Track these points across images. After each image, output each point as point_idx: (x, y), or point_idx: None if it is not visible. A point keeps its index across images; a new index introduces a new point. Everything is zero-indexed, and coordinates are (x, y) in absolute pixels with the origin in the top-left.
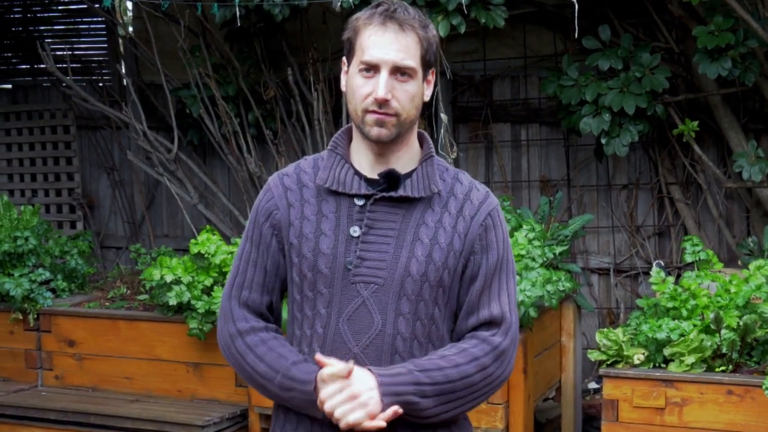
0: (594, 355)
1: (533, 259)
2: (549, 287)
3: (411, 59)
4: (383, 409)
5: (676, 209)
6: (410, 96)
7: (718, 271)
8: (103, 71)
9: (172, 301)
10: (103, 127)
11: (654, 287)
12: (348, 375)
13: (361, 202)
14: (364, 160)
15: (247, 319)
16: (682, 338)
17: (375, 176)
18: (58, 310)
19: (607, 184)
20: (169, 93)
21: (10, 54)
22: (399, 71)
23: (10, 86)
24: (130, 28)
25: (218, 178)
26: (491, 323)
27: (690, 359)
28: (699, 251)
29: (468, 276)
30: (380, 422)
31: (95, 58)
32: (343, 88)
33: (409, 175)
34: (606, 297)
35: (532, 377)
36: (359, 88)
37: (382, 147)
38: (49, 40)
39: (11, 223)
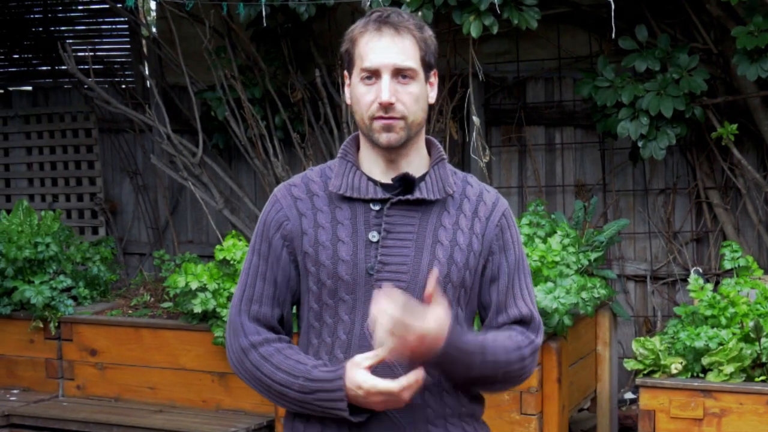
0: (630, 365)
1: (568, 266)
2: (584, 294)
3: (410, 60)
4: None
5: (714, 214)
6: (414, 97)
7: (758, 278)
8: (126, 73)
9: (197, 309)
10: (125, 130)
11: (692, 295)
12: (385, 357)
13: (377, 207)
14: (374, 167)
15: (259, 332)
16: (721, 347)
17: (388, 182)
18: (80, 318)
19: (644, 189)
20: (193, 95)
21: (30, 55)
22: (400, 73)
23: (30, 88)
24: (154, 29)
25: (244, 182)
26: (521, 321)
27: (729, 369)
28: (738, 257)
29: (488, 276)
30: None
31: (118, 60)
32: (347, 100)
33: (422, 178)
34: (642, 305)
35: (567, 387)
36: (363, 96)
37: (393, 153)
38: (71, 41)
39: (32, 229)
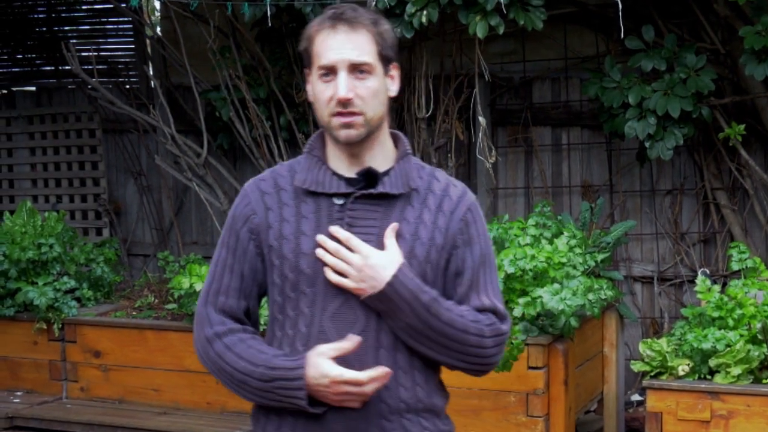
0: (637, 366)
1: (574, 267)
2: (591, 296)
3: (366, 55)
4: (384, 285)
5: (722, 215)
6: (372, 92)
7: (766, 280)
8: (130, 73)
9: None
10: (130, 131)
11: (699, 296)
12: (354, 348)
13: (340, 201)
14: (339, 162)
15: (224, 323)
16: (729, 349)
17: (352, 176)
18: (84, 319)
19: (651, 190)
20: (198, 95)
21: (33, 55)
22: (357, 69)
23: (34, 88)
24: (158, 29)
25: None
26: (483, 310)
27: (736, 370)
28: (746, 259)
29: (452, 270)
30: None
31: (122, 60)
32: (309, 98)
33: (386, 173)
34: (649, 306)
35: (574, 389)
36: (322, 94)
37: (355, 147)
38: (74, 41)
39: (35, 230)
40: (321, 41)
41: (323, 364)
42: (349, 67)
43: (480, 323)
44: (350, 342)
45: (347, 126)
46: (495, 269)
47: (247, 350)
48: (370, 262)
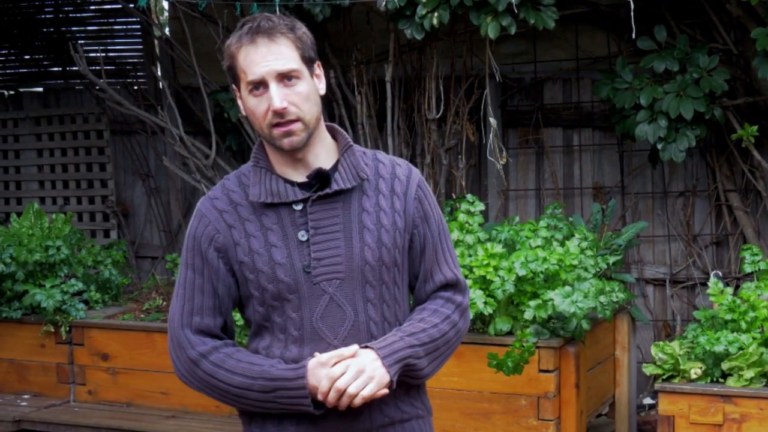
0: (649, 369)
1: (586, 270)
2: (602, 298)
3: (291, 62)
4: (390, 377)
5: (734, 217)
6: (304, 96)
7: None
8: (138, 74)
9: None
10: (138, 132)
11: (712, 298)
12: (353, 355)
13: (299, 207)
14: (286, 168)
15: (204, 342)
16: (741, 352)
17: (303, 179)
18: (91, 322)
19: (663, 191)
20: (206, 96)
21: (41, 56)
22: (285, 77)
23: (41, 89)
24: (166, 29)
25: None
26: (447, 285)
27: (749, 373)
28: (759, 261)
29: (417, 249)
30: (383, 391)
31: (130, 60)
32: (242, 112)
33: (335, 169)
34: (662, 309)
35: (585, 392)
36: (256, 108)
37: (298, 151)
38: (82, 42)
39: (42, 232)
40: (244, 57)
41: (316, 376)
42: (277, 77)
43: (450, 317)
44: (350, 350)
45: (288, 134)
46: (448, 235)
47: (238, 364)
48: (359, 366)
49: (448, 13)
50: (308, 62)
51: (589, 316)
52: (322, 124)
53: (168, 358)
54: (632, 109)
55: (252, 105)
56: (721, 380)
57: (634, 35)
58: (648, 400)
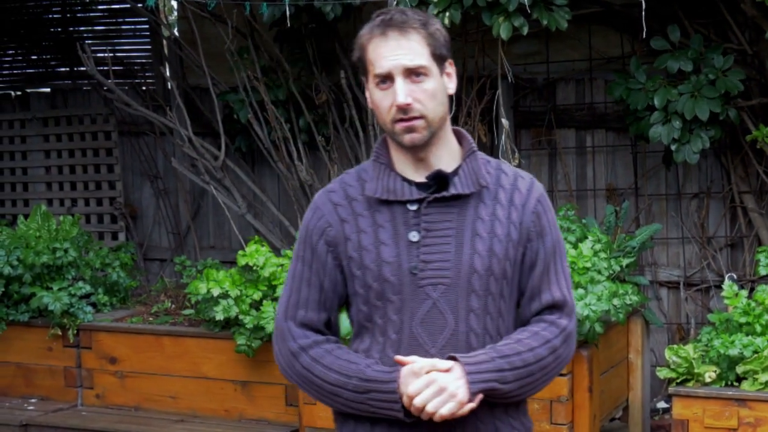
0: (663, 373)
1: (599, 272)
2: (615, 301)
3: (420, 58)
4: (470, 398)
5: (749, 219)
6: (430, 94)
7: None
8: (147, 74)
9: (219, 316)
10: (146, 133)
11: (726, 301)
12: (448, 370)
13: (414, 207)
14: (406, 166)
15: (307, 335)
16: (756, 355)
17: (422, 179)
18: (99, 325)
19: (677, 193)
20: (215, 97)
21: (48, 56)
22: (412, 73)
23: (48, 90)
24: (175, 29)
25: (267, 186)
26: (554, 306)
27: (764, 377)
28: None
29: (527, 264)
30: (468, 408)
31: (138, 61)
32: (370, 105)
33: (455, 173)
34: (676, 311)
35: (598, 396)
36: (381, 102)
37: (420, 151)
38: (90, 42)
39: (50, 234)
40: (373, 49)
41: (406, 384)
42: (404, 72)
43: (550, 341)
44: (444, 365)
45: (410, 130)
46: (565, 257)
47: (336, 361)
48: (441, 384)
49: (460, 14)
50: (439, 60)
51: (603, 319)
52: (448, 126)
53: (177, 363)
54: (646, 110)
55: (377, 98)
56: (735, 384)
57: (644, 35)
58: (662, 404)
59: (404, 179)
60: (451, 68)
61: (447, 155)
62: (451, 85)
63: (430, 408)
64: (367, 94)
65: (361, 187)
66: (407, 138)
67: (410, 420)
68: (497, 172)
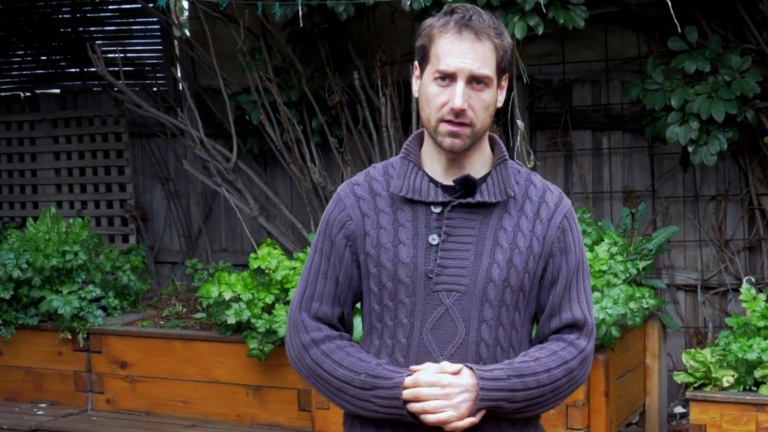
0: (680, 377)
1: (615, 275)
2: (632, 305)
3: (487, 68)
4: (471, 412)
5: (767, 222)
6: (485, 105)
7: None
8: (158, 75)
9: (231, 320)
10: (157, 135)
11: (744, 305)
12: (456, 372)
13: (438, 210)
14: (437, 166)
15: (320, 329)
16: None
17: (449, 182)
18: (110, 329)
19: (694, 195)
20: (227, 98)
21: (58, 57)
22: (475, 80)
23: (58, 91)
24: (186, 29)
25: (280, 188)
26: (574, 326)
27: None
28: None
29: (548, 279)
30: (468, 422)
31: (149, 61)
32: (415, 93)
33: (483, 179)
34: (693, 315)
35: (615, 401)
36: (435, 97)
37: (456, 155)
38: (100, 42)
39: (59, 237)
40: (444, 44)
41: (411, 384)
42: (468, 77)
43: (567, 363)
44: (453, 368)
45: (454, 135)
46: (588, 276)
47: (346, 358)
48: (447, 389)
49: None
50: (500, 72)
51: (619, 323)
52: (486, 134)
53: (188, 367)
54: (663, 111)
55: (431, 92)
56: (753, 388)
57: (665, 35)
58: (679, 409)
59: (431, 180)
60: (505, 82)
61: (479, 162)
62: (501, 98)
63: (429, 407)
64: (415, 83)
65: (387, 183)
66: (448, 142)
67: (413, 421)
68: (526, 183)
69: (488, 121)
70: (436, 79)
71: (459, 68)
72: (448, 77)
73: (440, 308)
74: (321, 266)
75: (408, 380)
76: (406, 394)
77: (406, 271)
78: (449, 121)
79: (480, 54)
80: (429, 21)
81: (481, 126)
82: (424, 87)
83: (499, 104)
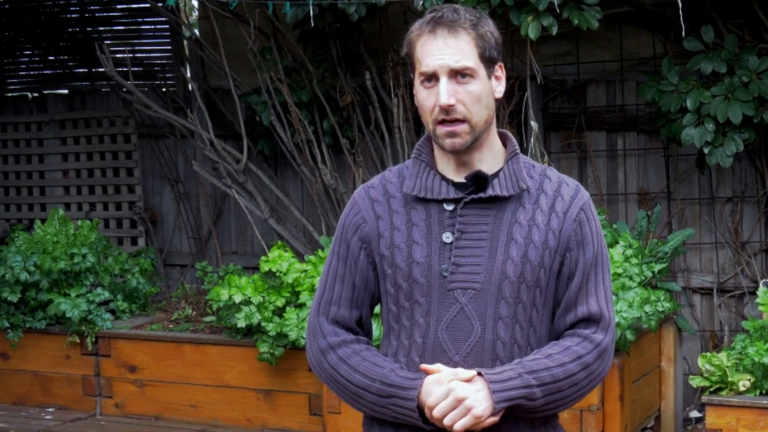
0: (696, 382)
1: (630, 278)
2: (647, 308)
3: (467, 59)
4: (492, 413)
5: None
6: (475, 97)
7: None
8: (167, 75)
9: (241, 323)
10: (166, 136)
11: (761, 308)
12: (469, 379)
13: (450, 207)
14: (448, 166)
15: (337, 333)
16: None
17: (461, 180)
18: (118, 333)
19: (710, 197)
20: (237, 99)
21: (66, 57)
22: (458, 74)
23: (66, 91)
24: (196, 29)
25: (291, 190)
26: (590, 320)
27: None
28: None
29: (565, 274)
30: (488, 422)
31: (158, 62)
32: (417, 104)
33: (496, 174)
34: (709, 319)
35: (630, 405)
36: (425, 101)
37: (463, 154)
38: (109, 42)
39: (68, 239)
40: (421, 46)
41: (427, 393)
42: (449, 72)
43: (582, 357)
44: (467, 374)
45: (452, 135)
46: (607, 268)
47: (362, 363)
48: (460, 395)
49: (488, 12)
50: (487, 62)
51: (634, 327)
52: (493, 129)
53: (198, 371)
54: (678, 113)
55: (422, 97)
56: None
57: (680, 35)
58: (695, 413)
59: (443, 178)
60: (500, 72)
61: (490, 157)
62: (500, 89)
63: (447, 421)
64: (415, 92)
65: (401, 184)
66: (448, 142)
67: (429, 428)
68: (541, 177)
69: (485, 113)
70: (423, 82)
71: (438, 66)
72: (432, 78)
73: (455, 306)
74: (338, 270)
75: (430, 400)
76: (427, 412)
77: (421, 270)
78: (443, 122)
79: (455, 48)
80: (410, 29)
81: (477, 119)
82: (417, 94)
83: (498, 95)
